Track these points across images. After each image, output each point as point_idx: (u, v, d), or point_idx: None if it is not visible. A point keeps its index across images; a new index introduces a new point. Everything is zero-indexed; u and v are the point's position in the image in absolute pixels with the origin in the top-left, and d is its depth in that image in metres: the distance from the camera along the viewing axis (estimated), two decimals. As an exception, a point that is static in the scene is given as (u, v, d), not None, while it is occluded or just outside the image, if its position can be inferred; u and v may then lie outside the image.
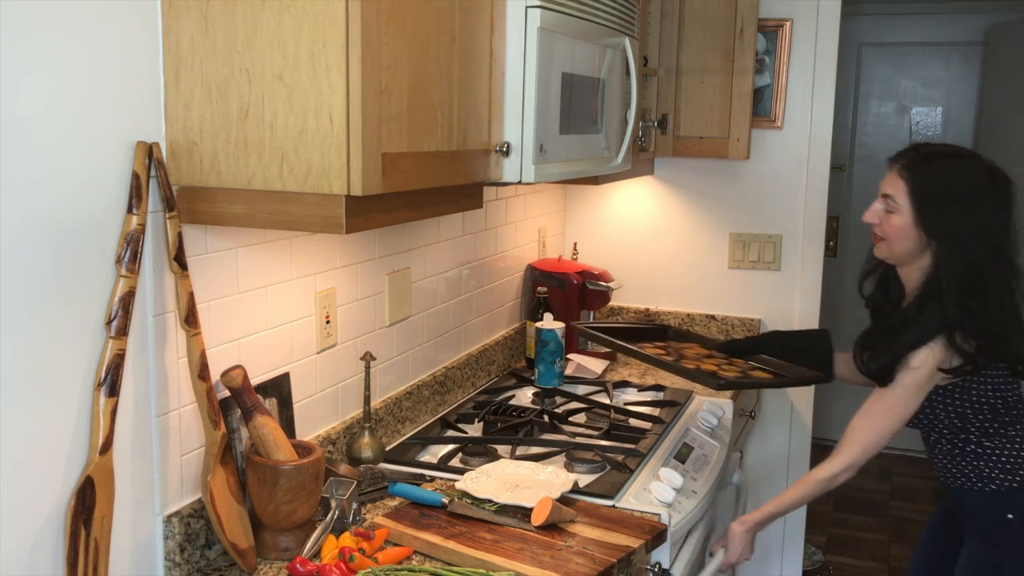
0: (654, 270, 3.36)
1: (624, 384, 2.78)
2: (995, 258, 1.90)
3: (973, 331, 1.88)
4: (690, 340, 2.54)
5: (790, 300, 3.23)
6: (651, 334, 2.57)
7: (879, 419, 1.95)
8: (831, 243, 4.82)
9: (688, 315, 3.33)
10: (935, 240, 1.91)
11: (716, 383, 2.10)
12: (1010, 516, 1.97)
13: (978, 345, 1.88)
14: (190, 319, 1.51)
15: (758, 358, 2.36)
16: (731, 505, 2.39)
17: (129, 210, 1.42)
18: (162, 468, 1.55)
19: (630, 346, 2.36)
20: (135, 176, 1.42)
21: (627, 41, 2.24)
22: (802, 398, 3.34)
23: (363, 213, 1.43)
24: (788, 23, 3.10)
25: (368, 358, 2.02)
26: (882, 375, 1.95)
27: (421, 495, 1.84)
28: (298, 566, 1.54)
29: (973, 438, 1.98)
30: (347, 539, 1.63)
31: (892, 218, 1.94)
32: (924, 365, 1.90)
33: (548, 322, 2.72)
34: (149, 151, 1.44)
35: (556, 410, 2.49)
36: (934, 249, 1.92)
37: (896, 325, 1.97)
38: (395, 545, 1.69)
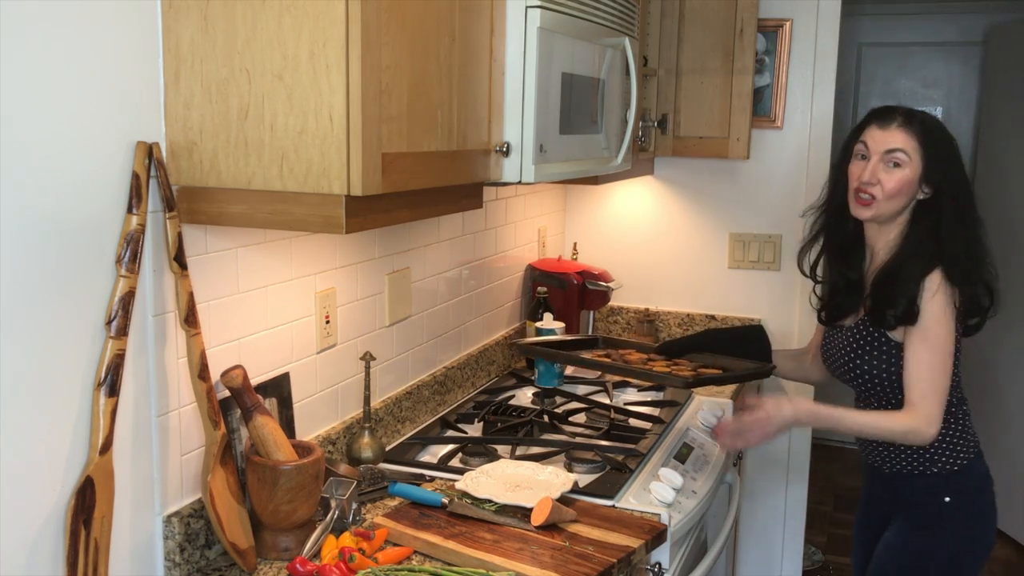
0: (654, 270, 3.36)
1: (624, 384, 2.78)
2: (974, 205, 2.00)
3: (970, 269, 1.94)
4: (626, 347, 2.48)
5: (790, 300, 3.23)
6: (585, 345, 2.51)
7: (935, 362, 1.91)
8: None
9: (688, 315, 3.33)
10: (936, 189, 1.95)
11: (684, 382, 2.08)
12: (947, 499, 1.98)
13: (979, 296, 1.95)
14: (190, 319, 1.51)
15: (699, 356, 2.34)
16: (724, 504, 2.39)
17: (129, 210, 1.42)
18: (162, 468, 1.55)
19: (584, 356, 2.30)
20: (135, 176, 1.42)
21: (627, 41, 2.24)
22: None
23: (363, 213, 1.43)
24: (788, 23, 3.10)
25: (368, 358, 2.02)
26: (907, 311, 1.92)
27: (421, 495, 1.84)
28: (298, 566, 1.54)
29: None
30: (347, 539, 1.63)
31: (897, 173, 1.95)
32: (941, 289, 1.91)
33: (548, 322, 2.72)
34: (149, 151, 1.44)
35: (556, 410, 2.49)
36: (917, 204, 1.98)
37: (890, 270, 1.97)
38: (395, 545, 1.69)
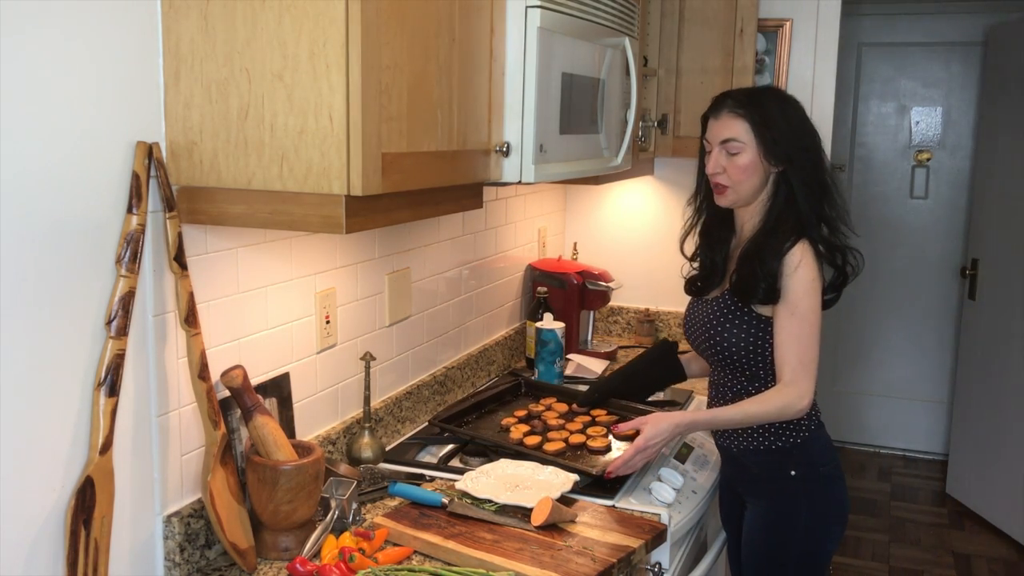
0: (654, 270, 3.35)
1: (624, 384, 2.78)
2: (827, 172, 2.01)
3: (829, 238, 1.96)
4: (546, 394, 2.43)
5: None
6: (509, 393, 2.46)
7: (804, 335, 1.91)
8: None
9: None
10: (784, 163, 1.96)
11: (595, 472, 1.97)
12: (793, 473, 2.00)
13: (843, 265, 1.95)
14: (190, 319, 1.51)
15: (617, 404, 2.32)
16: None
17: (129, 210, 1.42)
18: (162, 468, 1.55)
19: (496, 440, 2.17)
20: (135, 176, 1.42)
21: (627, 41, 2.24)
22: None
23: (363, 213, 1.43)
24: (788, 23, 3.10)
25: (368, 358, 2.02)
26: (769, 290, 1.93)
27: (421, 495, 1.84)
28: (298, 566, 1.54)
29: (768, 388, 1.98)
30: (347, 539, 1.63)
31: (737, 159, 1.97)
32: (804, 262, 1.91)
33: (548, 322, 2.72)
34: (149, 151, 1.44)
35: (556, 410, 2.48)
36: (776, 177, 1.98)
37: (753, 246, 1.98)
38: (395, 545, 1.69)
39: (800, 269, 1.91)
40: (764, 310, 1.96)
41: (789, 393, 1.90)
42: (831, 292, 2.01)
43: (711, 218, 2.13)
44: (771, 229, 1.97)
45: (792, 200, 1.96)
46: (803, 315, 1.90)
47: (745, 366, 1.99)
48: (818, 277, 1.93)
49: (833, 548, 2.06)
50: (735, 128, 1.96)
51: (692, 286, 2.16)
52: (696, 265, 2.19)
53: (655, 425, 1.96)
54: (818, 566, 2.04)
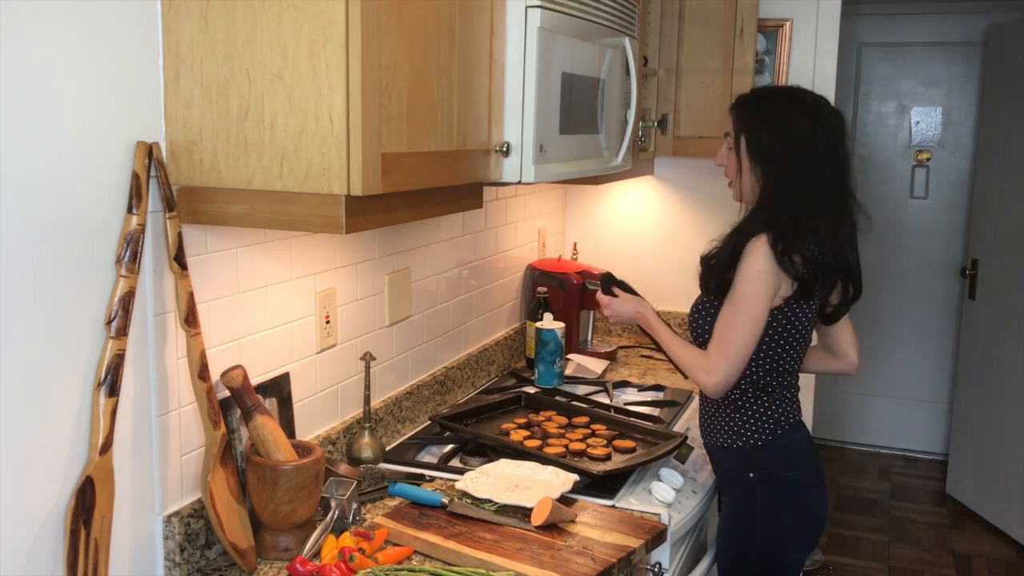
0: (654, 270, 3.36)
1: (624, 384, 2.78)
2: (825, 182, 1.95)
3: (799, 245, 1.90)
4: (545, 407, 2.43)
5: (790, 300, 3.23)
6: (506, 405, 2.45)
7: (731, 319, 1.91)
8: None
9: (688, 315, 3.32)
10: (760, 161, 1.97)
11: (595, 472, 1.98)
12: (751, 475, 2.01)
13: (805, 266, 1.91)
14: (190, 319, 1.51)
15: (615, 417, 2.34)
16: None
17: (129, 210, 1.42)
18: (162, 468, 1.55)
19: (496, 440, 2.18)
20: (135, 176, 1.42)
21: (627, 41, 2.24)
22: (801, 398, 3.33)
23: (363, 213, 1.43)
24: (788, 23, 3.10)
25: (368, 358, 2.02)
26: (721, 284, 1.95)
27: (421, 495, 1.84)
28: (298, 566, 1.54)
29: (742, 384, 1.99)
30: (347, 539, 1.63)
31: (731, 154, 2.04)
32: (752, 254, 1.90)
33: (548, 322, 2.72)
34: (149, 151, 1.44)
35: (556, 410, 2.48)
36: (760, 173, 1.98)
37: (724, 241, 2.00)
38: (395, 545, 1.69)
39: (747, 260, 1.91)
40: None
41: (704, 363, 1.94)
42: (806, 297, 1.95)
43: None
44: (741, 226, 1.98)
45: (765, 200, 1.97)
46: (737, 302, 1.92)
47: None
48: (767, 271, 1.89)
49: (801, 556, 2.06)
50: (731, 123, 2.04)
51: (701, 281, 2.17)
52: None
53: (622, 303, 2.14)
54: (782, 571, 2.04)
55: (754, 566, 2.04)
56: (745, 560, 2.05)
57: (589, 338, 3.20)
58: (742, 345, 1.91)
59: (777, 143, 1.96)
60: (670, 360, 2.08)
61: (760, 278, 1.90)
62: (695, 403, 2.61)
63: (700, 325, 2.06)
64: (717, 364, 1.92)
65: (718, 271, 1.97)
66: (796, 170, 1.95)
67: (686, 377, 2.07)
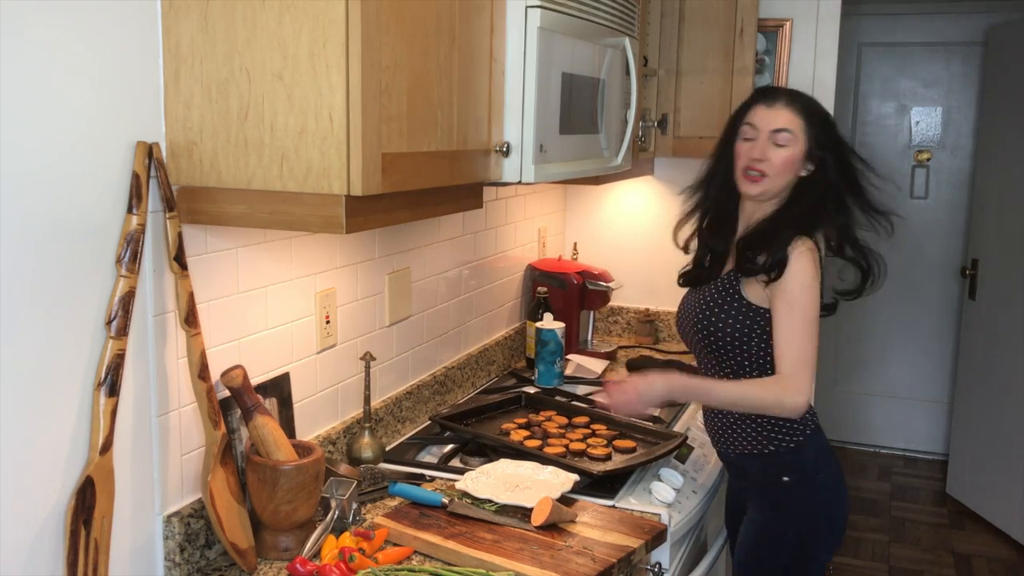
0: (654, 270, 3.35)
1: (624, 384, 2.78)
2: (854, 185, 2.01)
3: (840, 246, 1.96)
4: (545, 407, 2.42)
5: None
6: (506, 405, 2.45)
7: (803, 331, 1.88)
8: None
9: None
10: (824, 164, 1.97)
11: (596, 472, 1.98)
12: (786, 479, 1.98)
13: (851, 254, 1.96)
14: (190, 319, 1.51)
15: (615, 416, 2.30)
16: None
17: (129, 210, 1.42)
18: (162, 468, 1.55)
19: (496, 439, 2.18)
20: (135, 176, 1.42)
21: (627, 41, 2.24)
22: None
23: (363, 213, 1.43)
24: (788, 23, 3.10)
25: (368, 358, 2.02)
26: (777, 261, 1.90)
27: (421, 495, 1.84)
28: (298, 566, 1.54)
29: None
30: (347, 539, 1.63)
31: (783, 151, 1.95)
32: (804, 257, 1.89)
33: (548, 322, 2.72)
34: (149, 151, 1.44)
35: (556, 410, 2.48)
36: (800, 179, 1.99)
37: (762, 229, 1.97)
38: (395, 545, 1.69)
39: (805, 256, 1.89)
40: (756, 298, 1.94)
41: (787, 386, 1.87)
42: (836, 296, 1.99)
43: (717, 211, 2.10)
44: (785, 223, 1.95)
45: (814, 206, 1.96)
46: (802, 310, 1.88)
47: (732, 355, 1.97)
48: (816, 276, 1.91)
49: (826, 559, 2.04)
50: (791, 120, 1.95)
51: (689, 276, 2.15)
52: (691, 257, 2.18)
53: (648, 380, 1.96)
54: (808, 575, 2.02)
55: (781, 573, 2.00)
56: (772, 567, 2.01)
57: (589, 338, 3.20)
58: (814, 352, 1.90)
59: (837, 150, 1.98)
60: (730, 408, 1.98)
61: (813, 284, 1.90)
62: (695, 404, 2.61)
63: (715, 315, 1.97)
64: (803, 382, 1.87)
65: (773, 254, 1.90)
66: (846, 177, 1.99)
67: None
